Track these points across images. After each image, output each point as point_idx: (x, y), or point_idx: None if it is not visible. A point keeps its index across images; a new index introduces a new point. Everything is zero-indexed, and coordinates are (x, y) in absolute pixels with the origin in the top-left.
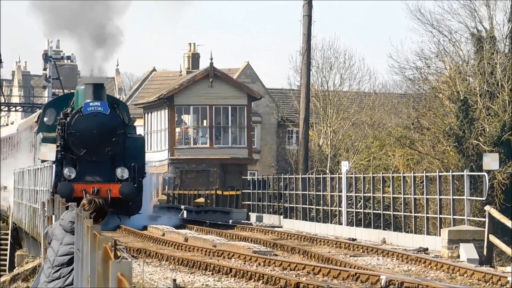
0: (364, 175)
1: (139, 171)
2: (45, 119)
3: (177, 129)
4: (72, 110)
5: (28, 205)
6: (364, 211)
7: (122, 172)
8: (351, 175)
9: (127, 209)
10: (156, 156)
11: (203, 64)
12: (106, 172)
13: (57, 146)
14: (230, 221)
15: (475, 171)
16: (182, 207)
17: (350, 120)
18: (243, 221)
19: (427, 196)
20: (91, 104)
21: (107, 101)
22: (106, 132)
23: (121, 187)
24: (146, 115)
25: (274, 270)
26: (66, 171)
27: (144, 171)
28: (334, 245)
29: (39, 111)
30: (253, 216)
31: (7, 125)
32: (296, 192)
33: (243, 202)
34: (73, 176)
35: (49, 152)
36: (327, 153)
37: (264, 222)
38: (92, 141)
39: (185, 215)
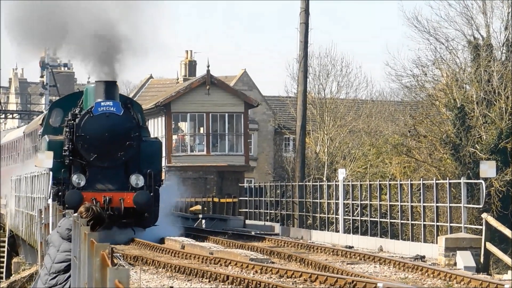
0: (361, 183)
1: (155, 178)
2: (50, 120)
3: (174, 137)
4: (81, 111)
5: (25, 212)
6: (361, 218)
7: (136, 180)
8: (348, 183)
9: (142, 220)
10: None
11: (200, 71)
12: (119, 179)
13: (65, 151)
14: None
15: (472, 178)
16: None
17: (347, 127)
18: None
19: (424, 204)
20: (102, 104)
21: (120, 100)
22: (119, 135)
23: (135, 196)
24: None
25: (271, 277)
26: (74, 178)
27: (160, 178)
28: (331, 253)
29: (44, 113)
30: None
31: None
32: (293, 199)
33: (240, 210)
34: (82, 183)
35: (46, 159)
36: (324, 160)
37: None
38: (104, 145)
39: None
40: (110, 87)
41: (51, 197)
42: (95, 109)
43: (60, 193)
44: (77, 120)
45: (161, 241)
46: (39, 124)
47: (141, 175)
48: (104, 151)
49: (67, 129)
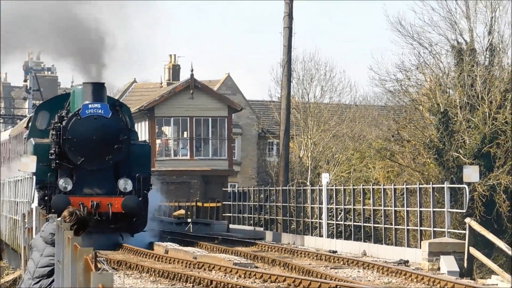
0: (344, 187)
1: (144, 182)
2: (37, 123)
3: (158, 141)
4: (68, 113)
5: (8, 217)
6: (345, 223)
7: (125, 184)
8: (332, 187)
9: (131, 225)
10: None
11: (184, 75)
12: (107, 183)
13: (51, 154)
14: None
15: (455, 183)
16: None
17: (330, 132)
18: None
19: (408, 208)
20: (90, 106)
21: (108, 102)
22: (107, 137)
23: (124, 201)
24: None
25: (254, 282)
26: (61, 182)
27: (150, 183)
28: (315, 257)
29: (30, 115)
30: (269, 234)
31: None
32: (277, 204)
33: (223, 214)
34: (69, 188)
35: (30, 163)
36: (307, 165)
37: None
38: (92, 148)
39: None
40: (98, 89)
41: (34, 201)
42: (82, 111)
43: (46, 198)
44: (64, 122)
45: (150, 246)
46: (24, 127)
47: (129, 179)
48: (91, 155)
49: (54, 132)
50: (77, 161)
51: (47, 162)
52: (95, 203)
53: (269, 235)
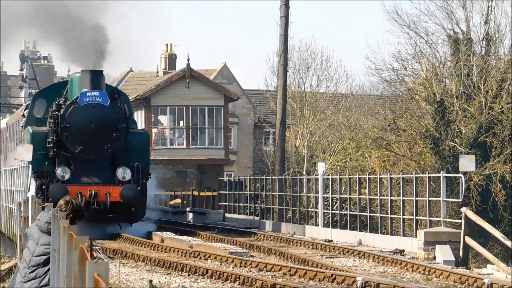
0: (340, 177)
1: (143, 171)
2: (34, 111)
3: (154, 130)
4: (66, 101)
5: (4, 206)
6: (341, 212)
7: (123, 173)
8: (328, 177)
9: (129, 215)
10: None
11: (180, 64)
12: (105, 172)
13: (49, 142)
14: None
15: (451, 172)
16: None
17: (326, 121)
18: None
19: (404, 198)
20: (88, 94)
21: (107, 90)
22: (105, 126)
23: (122, 190)
24: None
25: (250, 271)
26: (59, 171)
27: (148, 172)
28: (311, 247)
29: (27, 103)
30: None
31: None
32: (273, 193)
33: (219, 203)
34: (67, 177)
35: (26, 152)
36: (303, 154)
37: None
38: (89, 137)
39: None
40: (96, 77)
41: (30, 190)
42: (80, 99)
43: (43, 187)
44: (61, 110)
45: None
46: (21, 115)
47: (128, 168)
48: (89, 143)
49: (51, 120)
50: (75, 150)
51: (44, 151)
52: (93, 192)
53: (268, 224)
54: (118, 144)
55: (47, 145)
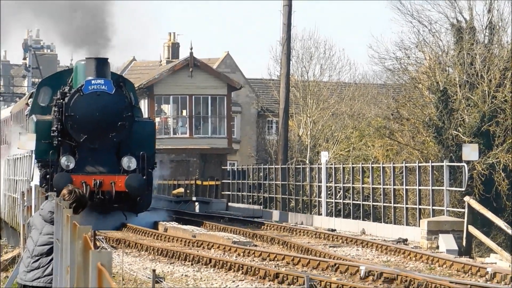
0: (343, 166)
1: (148, 161)
2: (38, 99)
3: (157, 119)
4: (70, 89)
5: (7, 195)
6: (344, 201)
7: (129, 162)
8: (331, 166)
9: (135, 205)
10: None
11: (183, 54)
12: (110, 161)
13: (53, 131)
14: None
15: (454, 161)
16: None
17: (330, 110)
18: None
19: (407, 187)
20: (93, 82)
21: (112, 78)
22: (110, 115)
23: (127, 180)
24: None
25: (253, 260)
26: (63, 160)
27: (154, 161)
28: (314, 236)
29: (31, 91)
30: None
31: None
32: (276, 182)
33: (222, 192)
34: (71, 166)
35: (29, 141)
36: (306, 143)
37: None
38: (94, 126)
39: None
40: (101, 64)
41: (33, 179)
42: (85, 87)
43: (48, 176)
44: (66, 99)
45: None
46: (25, 104)
47: (133, 157)
48: (94, 132)
49: (56, 109)
50: (79, 139)
51: (49, 140)
52: (98, 182)
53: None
54: (123, 133)
55: (52, 134)
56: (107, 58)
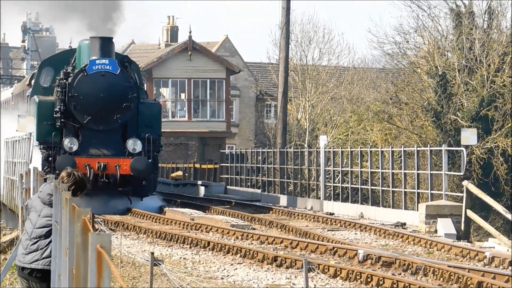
0: (342, 150)
1: (154, 143)
2: (40, 80)
3: None
4: (74, 69)
5: (6, 177)
6: (342, 185)
7: (134, 144)
8: (329, 149)
9: (140, 189)
10: None
11: (182, 37)
12: (115, 144)
13: (56, 112)
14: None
15: (453, 146)
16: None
17: (328, 94)
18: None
19: (405, 171)
20: (97, 61)
21: (117, 58)
22: (115, 95)
23: (132, 162)
24: None
25: (252, 244)
26: (66, 142)
27: (160, 144)
28: (312, 219)
29: (32, 72)
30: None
31: None
32: (274, 166)
33: (221, 176)
34: (75, 148)
35: (28, 123)
36: (305, 127)
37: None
38: (99, 107)
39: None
40: (106, 44)
41: (32, 161)
42: (89, 67)
43: (50, 158)
44: (69, 79)
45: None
46: (26, 85)
47: (138, 139)
48: (99, 113)
49: (59, 89)
50: (83, 120)
51: (51, 121)
52: (102, 165)
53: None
54: (128, 114)
55: (54, 115)
56: (112, 38)
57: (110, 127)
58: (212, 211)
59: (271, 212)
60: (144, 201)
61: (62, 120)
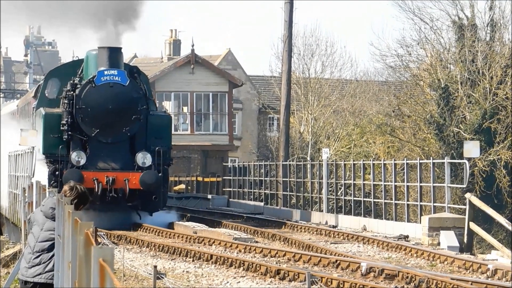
0: (345, 162)
1: (164, 156)
2: (46, 91)
3: None
4: (81, 80)
5: (9, 191)
6: (345, 198)
7: (143, 158)
8: (332, 162)
9: (150, 203)
10: None
11: (185, 50)
12: (124, 157)
13: (63, 125)
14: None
15: (455, 158)
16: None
17: (331, 107)
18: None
19: (408, 184)
20: (106, 72)
21: (125, 69)
22: (124, 107)
23: (142, 176)
24: None
25: (254, 257)
26: (74, 155)
27: (170, 157)
28: (315, 232)
29: (38, 84)
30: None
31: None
32: (277, 179)
33: (224, 189)
34: (82, 162)
35: (30, 137)
36: (308, 140)
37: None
38: (107, 119)
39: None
40: (114, 54)
41: (34, 175)
42: (97, 78)
43: (57, 173)
44: (77, 90)
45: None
46: (32, 97)
47: (148, 152)
48: (107, 126)
49: (66, 101)
50: (91, 133)
51: (58, 134)
52: (110, 179)
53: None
54: (137, 127)
55: (61, 128)
56: (121, 48)
57: (119, 139)
58: (216, 224)
59: (274, 225)
60: (154, 216)
61: (69, 132)
